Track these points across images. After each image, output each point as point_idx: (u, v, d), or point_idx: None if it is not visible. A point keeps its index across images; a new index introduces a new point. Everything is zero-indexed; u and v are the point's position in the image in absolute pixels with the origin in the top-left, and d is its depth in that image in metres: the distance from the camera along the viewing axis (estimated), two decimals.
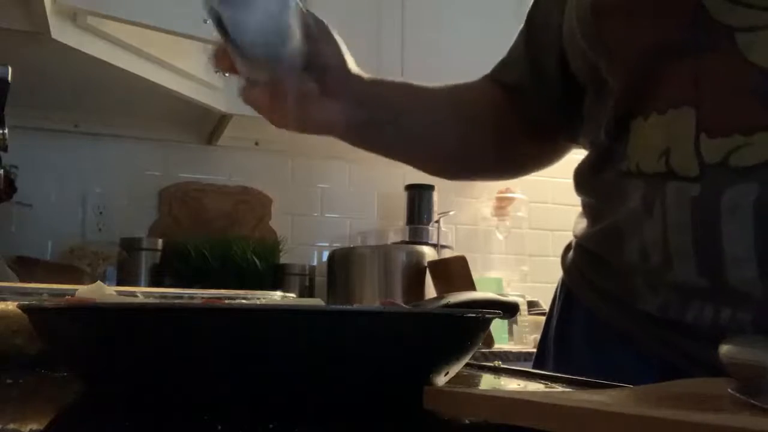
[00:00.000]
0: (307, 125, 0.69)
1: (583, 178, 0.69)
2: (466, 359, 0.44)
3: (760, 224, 0.50)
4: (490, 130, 0.78)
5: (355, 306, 1.02)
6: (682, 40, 0.55)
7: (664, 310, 0.58)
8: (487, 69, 0.82)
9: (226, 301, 0.51)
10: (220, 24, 0.58)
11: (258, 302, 0.68)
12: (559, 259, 0.76)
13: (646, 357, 0.61)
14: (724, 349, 0.37)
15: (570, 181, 0.71)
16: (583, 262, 0.69)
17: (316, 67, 0.64)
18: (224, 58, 0.62)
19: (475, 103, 0.78)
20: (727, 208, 0.51)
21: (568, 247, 0.74)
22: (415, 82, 0.77)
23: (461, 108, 0.78)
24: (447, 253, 2.20)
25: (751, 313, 0.52)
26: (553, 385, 0.52)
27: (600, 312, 0.67)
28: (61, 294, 0.63)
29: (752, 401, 0.30)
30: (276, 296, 0.81)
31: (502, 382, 0.56)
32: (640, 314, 0.60)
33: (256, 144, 2.33)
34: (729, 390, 0.32)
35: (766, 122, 0.50)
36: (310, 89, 0.65)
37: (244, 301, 0.69)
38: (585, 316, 0.69)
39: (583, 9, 0.62)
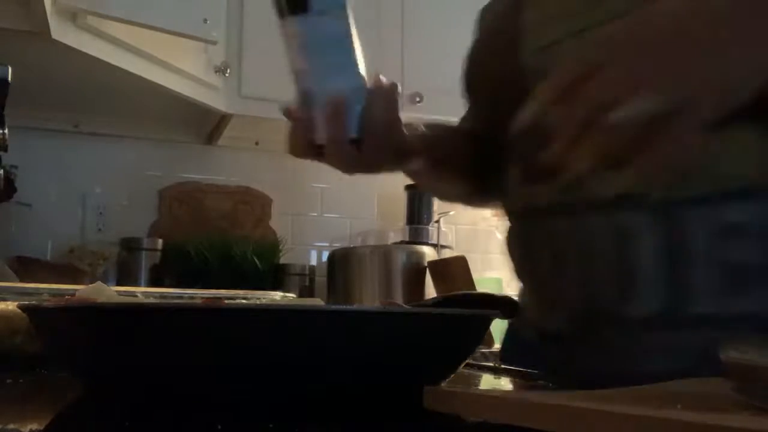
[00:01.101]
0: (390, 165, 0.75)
1: None
2: (466, 359, 0.44)
3: (579, 262, 0.61)
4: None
5: (355, 306, 1.02)
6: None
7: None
8: None
9: (226, 301, 0.51)
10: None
11: (258, 302, 0.68)
12: None
13: None
14: (724, 349, 0.37)
15: None
16: None
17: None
18: (302, 137, 0.64)
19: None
20: (540, 243, 0.65)
21: None
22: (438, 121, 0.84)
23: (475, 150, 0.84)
24: (447, 253, 2.20)
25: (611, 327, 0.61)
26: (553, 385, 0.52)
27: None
28: (61, 294, 0.63)
29: (752, 401, 0.30)
30: (276, 296, 0.81)
31: (502, 382, 0.56)
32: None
33: (256, 144, 2.33)
34: (729, 390, 0.32)
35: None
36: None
37: (244, 301, 0.69)
38: None
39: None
